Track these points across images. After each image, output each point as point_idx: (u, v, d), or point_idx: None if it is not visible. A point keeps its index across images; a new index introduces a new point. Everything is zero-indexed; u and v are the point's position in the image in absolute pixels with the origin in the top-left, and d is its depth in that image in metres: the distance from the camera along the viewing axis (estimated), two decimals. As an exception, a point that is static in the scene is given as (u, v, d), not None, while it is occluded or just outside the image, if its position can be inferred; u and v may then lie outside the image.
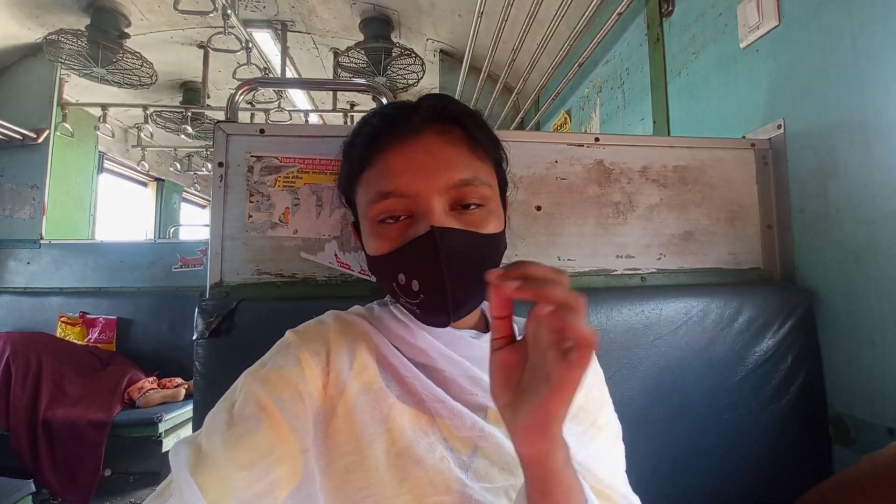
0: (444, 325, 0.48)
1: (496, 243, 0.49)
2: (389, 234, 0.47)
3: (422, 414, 0.46)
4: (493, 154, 0.52)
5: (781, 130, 0.92)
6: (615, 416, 0.55)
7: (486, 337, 0.51)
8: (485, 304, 0.58)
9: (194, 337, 0.69)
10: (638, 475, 0.54)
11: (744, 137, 0.98)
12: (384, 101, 0.92)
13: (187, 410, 1.88)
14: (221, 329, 0.69)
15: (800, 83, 0.89)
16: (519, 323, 0.50)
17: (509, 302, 0.37)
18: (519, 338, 0.39)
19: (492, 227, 0.47)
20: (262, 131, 0.77)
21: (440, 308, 0.45)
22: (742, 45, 1.02)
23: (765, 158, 0.93)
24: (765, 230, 0.92)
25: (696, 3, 1.19)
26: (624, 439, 0.54)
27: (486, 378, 0.47)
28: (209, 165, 3.93)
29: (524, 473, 0.37)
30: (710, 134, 1.11)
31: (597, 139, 0.86)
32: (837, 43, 0.81)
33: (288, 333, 0.49)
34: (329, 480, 0.42)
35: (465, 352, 0.49)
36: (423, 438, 0.44)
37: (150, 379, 1.98)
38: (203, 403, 0.69)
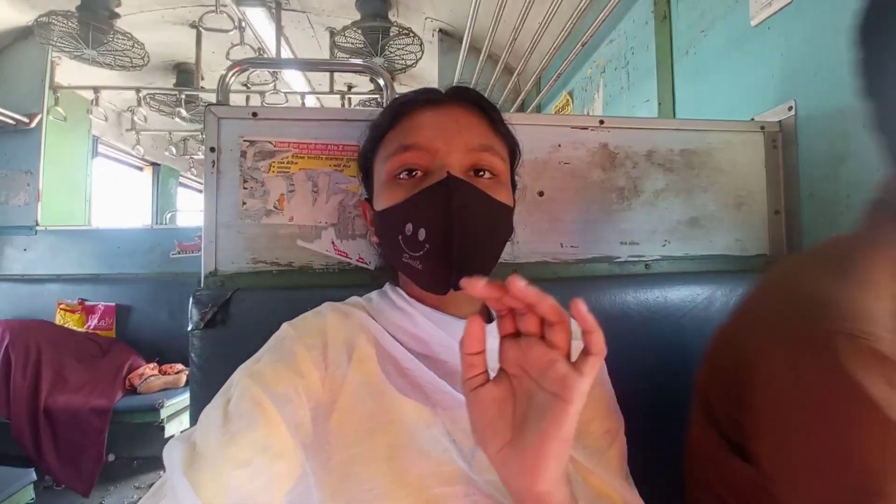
0: (444, 288, 0.45)
1: (505, 214, 0.50)
2: (404, 186, 0.48)
3: (423, 406, 0.45)
4: (508, 141, 0.55)
5: (793, 112, 0.89)
6: (618, 409, 0.54)
7: (492, 325, 0.50)
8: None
9: (189, 328, 0.68)
10: (642, 464, 0.53)
11: (753, 120, 0.95)
12: (381, 82, 0.89)
13: (188, 396, 1.89)
14: (217, 319, 0.68)
15: (813, 63, 0.85)
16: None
17: (483, 336, 0.34)
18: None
19: (503, 198, 0.49)
20: (254, 114, 0.74)
21: (444, 261, 0.44)
22: (753, 23, 0.98)
23: (774, 142, 0.90)
24: (772, 216, 0.89)
25: (706, -23, 1.15)
26: (627, 429, 0.53)
27: (489, 365, 0.46)
28: (205, 149, 3.88)
29: None
30: (718, 116, 1.08)
31: (601, 122, 0.83)
32: (853, 21, 0.78)
33: (284, 326, 0.48)
34: (329, 475, 0.41)
35: None
36: (426, 430, 0.44)
37: (151, 365, 1.98)
38: (200, 395, 0.68)
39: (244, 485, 0.36)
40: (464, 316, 0.49)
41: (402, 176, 0.48)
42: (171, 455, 0.37)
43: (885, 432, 0.32)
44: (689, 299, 0.79)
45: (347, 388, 0.44)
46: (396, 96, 0.55)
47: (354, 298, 0.54)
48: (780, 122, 0.90)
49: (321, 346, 0.45)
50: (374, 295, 0.54)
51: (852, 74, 0.47)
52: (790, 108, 0.89)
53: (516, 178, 0.58)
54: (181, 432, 0.42)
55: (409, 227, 0.46)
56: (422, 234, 0.45)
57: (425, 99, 0.51)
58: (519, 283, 0.30)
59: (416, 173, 0.48)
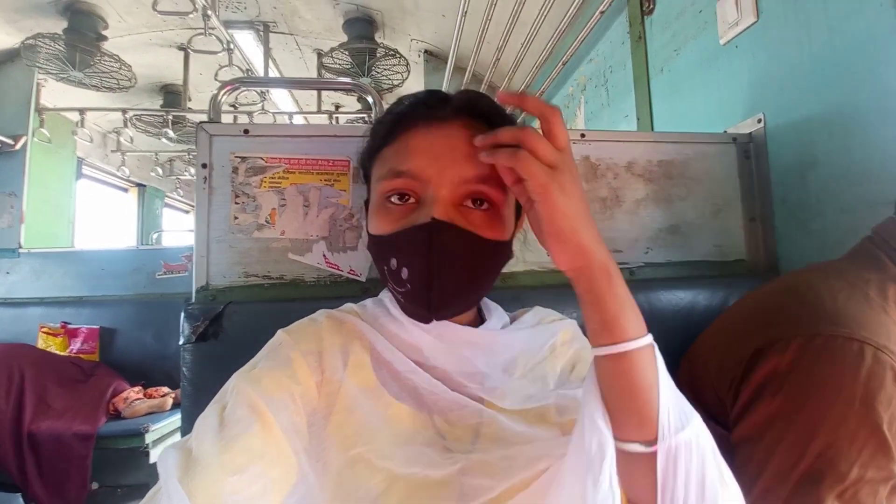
0: (425, 321, 0.47)
1: (498, 251, 0.47)
2: (393, 214, 0.46)
3: (419, 411, 0.45)
4: None
5: (762, 124, 0.93)
6: None
7: (483, 328, 0.51)
8: (488, 302, 0.58)
9: (180, 342, 0.68)
10: None
11: (725, 132, 1.00)
12: (370, 99, 0.91)
13: (175, 420, 1.84)
14: (209, 333, 0.68)
15: (779, 78, 0.91)
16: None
17: (509, 171, 0.40)
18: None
19: (496, 233, 0.46)
20: (246, 131, 0.76)
21: (422, 303, 0.45)
22: (722, 42, 1.04)
23: (746, 152, 0.95)
24: (748, 222, 0.93)
25: (677, 0, 1.21)
26: None
27: (481, 369, 0.47)
28: (192, 170, 3.87)
29: (580, 299, 0.38)
30: (693, 129, 1.13)
31: (583, 135, 0.87)
32: (815, 37, 0.83)
33: (279, 333, 0.48)
34: (327, 480, 0.41)
35: (461, 337, 0.49)
36: (421, 435, 0.44)
37: (136, 389, 1.93)
38: (191, 410, 0.67)
39: (240, 491, 0.36)
40: (457, 320, 0.50)
41: (393, 199, 0.46)
42: (166, 462, 0.37)
43: (842, 419, 0.42)
44: (672, 304, 0.81)
45: (343, 394, 0.44)
46: (402, 97, 0.52)
47: (349, 305, 0.54)
48: (750, 133, 0.95)
49: (317, 352, 0.46)
50: (368, 302, 0.54)
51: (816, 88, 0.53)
52: (759, 121, 0.94)
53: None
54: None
55: (394, 262, 0.45)
56: (405, 272, 0.45)
57: (425, 115, 0.47)
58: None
59: (408, 199, 0.46)
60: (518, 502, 0.39)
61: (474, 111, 0.47)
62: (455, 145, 0.45)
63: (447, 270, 0.43)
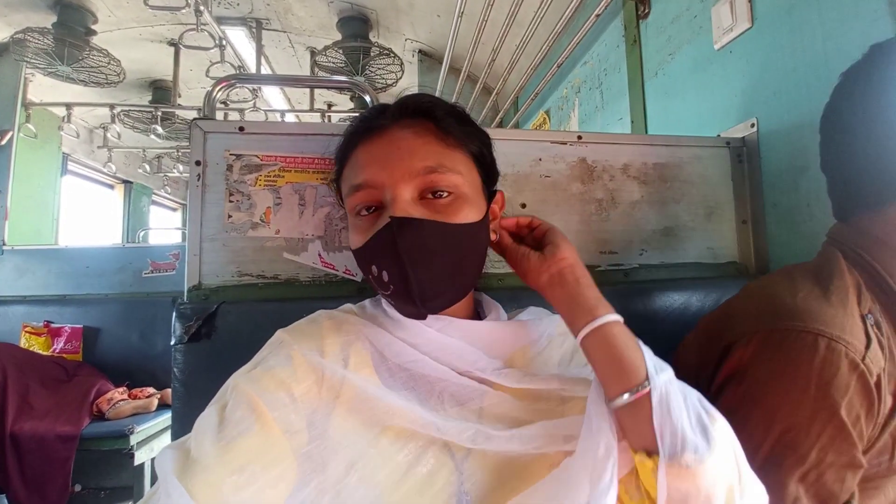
0: (420, 317, 0.48)
1: (470, 233, 0.48)
2: (364, 226, 0.48)
3: (420, 408, 0.45)
4: (469, 145, 0.51)
5: (755, 129, 0.95)
6: None
7: (484, 322, 0.53)
8: (481, 295, 0.59)
9: (172, 342, 0.67)
10: None
11: (719, 136, 1.01)
12: (367, 98, 0.91)
13: (160, 421, 1.81)
14: (201, 333, 0.67)
15: (772, 83, 0.92)
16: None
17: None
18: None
19: (464, 216, 0.47)
20: (241, 129, 0.75)
21: (408, 300, 0.46)
22: (716, 47, 1.05)
23: (739, 156, 0.96)
24: (740, 225, 0.94)
25: (672, 5, 1.22)
26: None
27: (484, 359, 0.48)
28: (181, 167, 3.81)
29: (561, 304, 0.48)
30: (687, 133, 1.13)
31: (579, 137, 0.87)
32: (808, 44, 0.84)
33: (279, 333, 0.48)
34: (328, 479, 0.41)
35: (462, 331, 0.49)
36: (423, 431, 0.44)
37: (120, 389, 1.89)
38: (183, 412, 0.66)
39: (240, 491, 0.36)
40: (456, 315, 0.51)
41: (362, 213, 0.48)
42: (164, 462, 0.37)
43: (799, 404, 0.46)
44: (665, 305, 0.82)
45: (344, 393, 0.44)
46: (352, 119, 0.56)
47: (348, 306, 0.54)
48: (743, 137, 0.96)
49: (317, 351, 0.45)
50: (367, 303, 0.55)
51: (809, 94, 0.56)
52: (752, 125, 0.95)
53: (495, 169, 0.56)
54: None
55: (374, 269, 0.47)
56: (385, 276, 0.46)
57: (365, 129, 0.50)
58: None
59: (373, 209, 0.48)
60: (523, 499, 0.40)
61: (410, 111, 0.50)
62: (398, 146, 0.47)
63: (421, 262, 0.44)
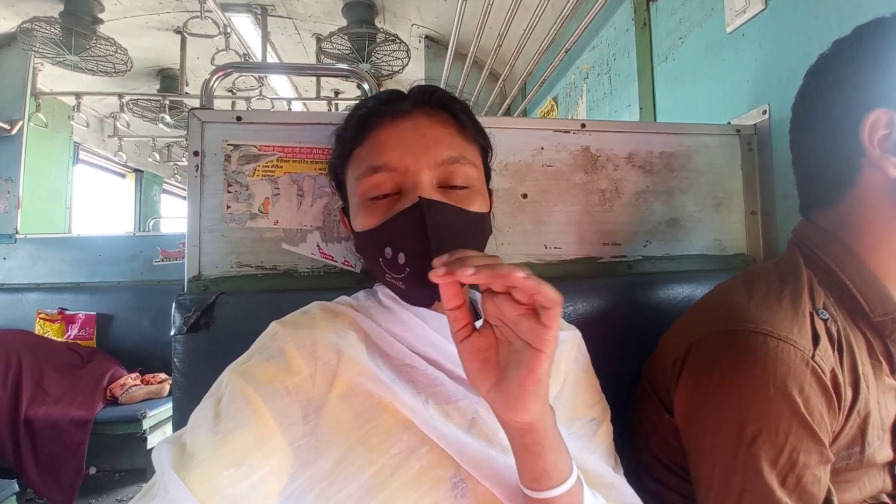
0: (429, 302, 0.48)
1: (482, 223, 0.50)
2: (379, 208, 0.47)
3: (414, 400, 0.45)
4: (479, 140, 0.54)
5: (767, 116, 0.91)
6: (604, 399, 0.55)
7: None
8: (476, 295, 0.58)
9: (172, 333, 0.67)
10: (627, 450, 0.56)
11: (729, 123, 0.98)
12: (367, 87, 0.89)
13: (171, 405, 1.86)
14: (200, 324, 0.67)
15: (785, 68, 0.88)
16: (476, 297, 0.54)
17: (461, 291, 0.37)
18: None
19: (477, 207, 0.49)
20: (238, 118, 0.74)
21: (426, 282, 0.44)
22: (728, 30, 1.01)
23: (750, 144, 0.93)
24: (749, 216, 0.92)
25: (683, -14, 1.18)
26: (613, 420, 0.55)
27: None
28: (190, 156, 3.83)
29: (516, 448, 0.39)
30: (697, 120, 1.10)
31: (583, 125, 0.85)
32: (824, 26, 0.81)
33: (272, 325, 0.48)
34: (322, 470, 0.41)
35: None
36: (416, 424, 0.44)
37: (133, 375, 1.94)
38: (183, 401, 0.67)
39: (236, 483, 0.36)
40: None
41: (375, 196, 0.48)
42: (161, 456, 0.37)
43: (764, 405, 0.46)
44: (669, 298, 0.80)
45: (338, 385, 0.44)
46: (362, 100, 0.54)
47: (343, 298, 0.54)
48: (755, 125, 0.93)
49: (311, 343, 0.45)
50: (361, 294, 0.54)
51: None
52: (764, 112, 0.92)
53: (489, 167, 0.57)
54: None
55: (388, 250, 0.46)
56: (401, 258, 0.45)
57: (389, 111, 0.49)
58: (468, 271, 0.33)
59: (389, 195, 0.47)
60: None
61: (431, 102, 0.50)
62: (424, 133, 0.48)
63: (444, 245, 0.44)
